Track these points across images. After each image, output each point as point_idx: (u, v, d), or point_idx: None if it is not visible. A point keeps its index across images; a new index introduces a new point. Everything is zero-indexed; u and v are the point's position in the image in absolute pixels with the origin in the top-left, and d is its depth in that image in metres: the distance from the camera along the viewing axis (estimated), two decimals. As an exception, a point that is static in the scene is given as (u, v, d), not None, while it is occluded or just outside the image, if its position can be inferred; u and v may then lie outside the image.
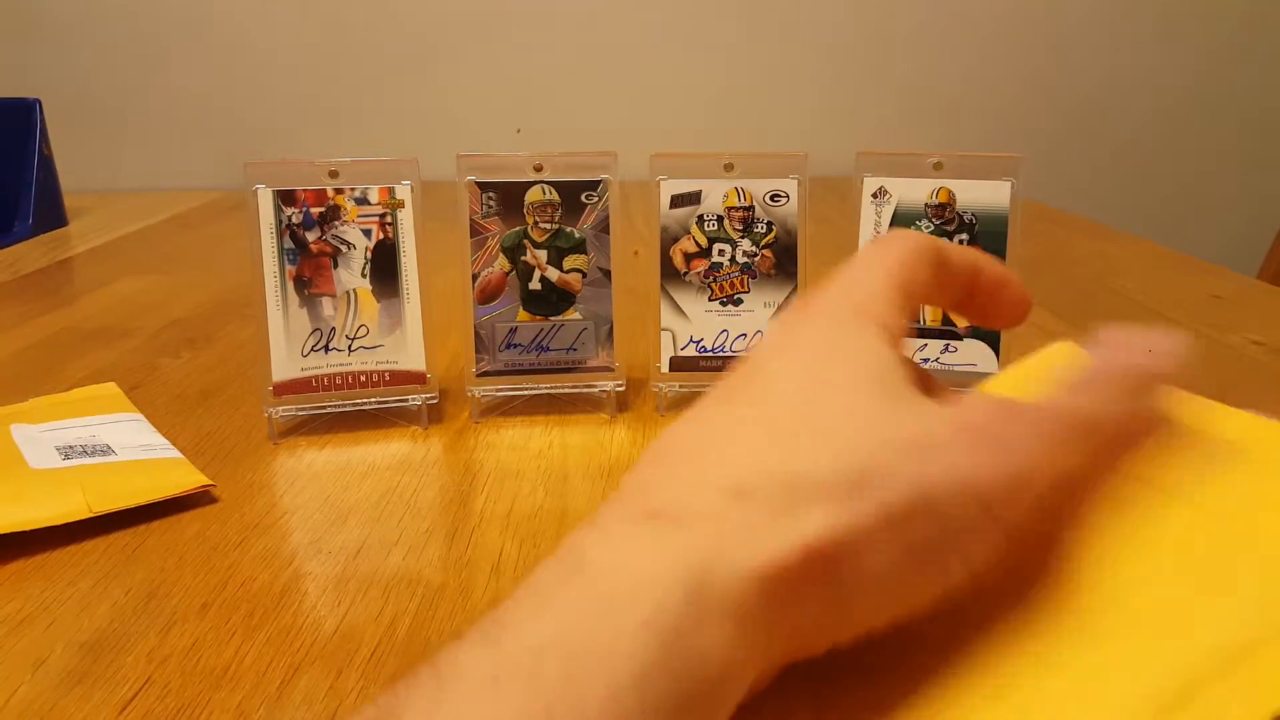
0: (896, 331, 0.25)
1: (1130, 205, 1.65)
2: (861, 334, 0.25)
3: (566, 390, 0.61)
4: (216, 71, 1.53)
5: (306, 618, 0.40)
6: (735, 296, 0.60)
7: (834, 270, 0.28)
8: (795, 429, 0.22)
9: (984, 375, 0.59)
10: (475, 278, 0.59)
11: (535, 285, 0.59)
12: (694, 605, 0.19)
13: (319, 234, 0.57)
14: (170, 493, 0.49)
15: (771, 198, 0.60)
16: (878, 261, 0.27)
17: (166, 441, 0.54)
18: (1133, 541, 0.24)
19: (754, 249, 0.60)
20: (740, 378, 0.26)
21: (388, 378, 0.59)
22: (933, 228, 0.59)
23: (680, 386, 0.62)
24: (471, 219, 0.58)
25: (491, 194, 0.58)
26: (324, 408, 0.59)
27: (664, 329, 0.61)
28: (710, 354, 0.61)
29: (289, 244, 0.57)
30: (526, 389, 0.61)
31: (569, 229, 0.59)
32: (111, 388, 0.63)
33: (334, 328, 0.58)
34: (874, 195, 0.60)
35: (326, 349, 0.58)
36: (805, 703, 0.23)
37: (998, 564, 0.22)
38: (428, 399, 0.59)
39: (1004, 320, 0.30)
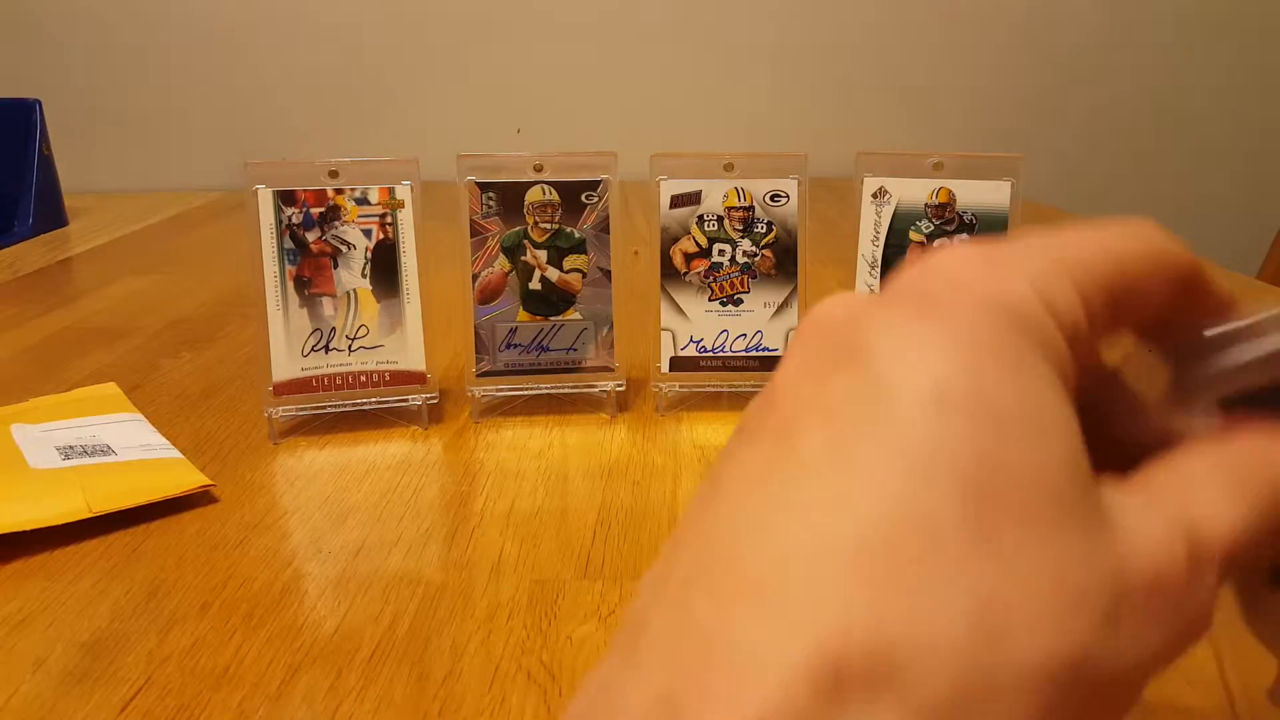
0: (1071, 363, 0.17)
1: (1130, 205, 1.65)
2: (1027, 375, 0.16)
3: (566, 390, 0.61)
4: (216, 71, 1.53)
5: (306, 618, 0.40)
6: (735, 296, 0.60)
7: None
8: (915, 576, 0.14)
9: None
10: (475, 278, 0.59)
11: (535, 285, 0.59)
12: None
13: (319, 234, 0.57)
14: (170, 493, 0.49)
15: (771, 198, 0.60)
16: (1075, 241, 0.18)
17: (166, 441, 0.54)
18: None
19: (754, 249, 0.60)
20: (860, 421, 0.15)
21: (388, 378, 0.59)
22: (933, 228, 0.59)
23: (680, 386, 0.62)
24: (471, 219, 0.58)
25: (491, 194, 0.58)
26: (324, 408, 0.59)
27: (664, 329, 0.61)
28: (710, 354, 0.61)
29: (289, 244, 0.57)
30: (526, 389, 0.61)
31: (569, 229, 0.59)
32: (111, 388, 0.63)
33: (334, 328, 0.58)
34: (874, 195, 0.59)
35: (326, 349, 0.58)
36: None
37: None
38: (428, 399, 0.59)
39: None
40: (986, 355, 0.16)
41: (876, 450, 0.15)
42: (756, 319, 0.60)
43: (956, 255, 0.17)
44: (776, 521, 0.15)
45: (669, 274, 0.60)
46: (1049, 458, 0.15)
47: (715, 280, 0.60)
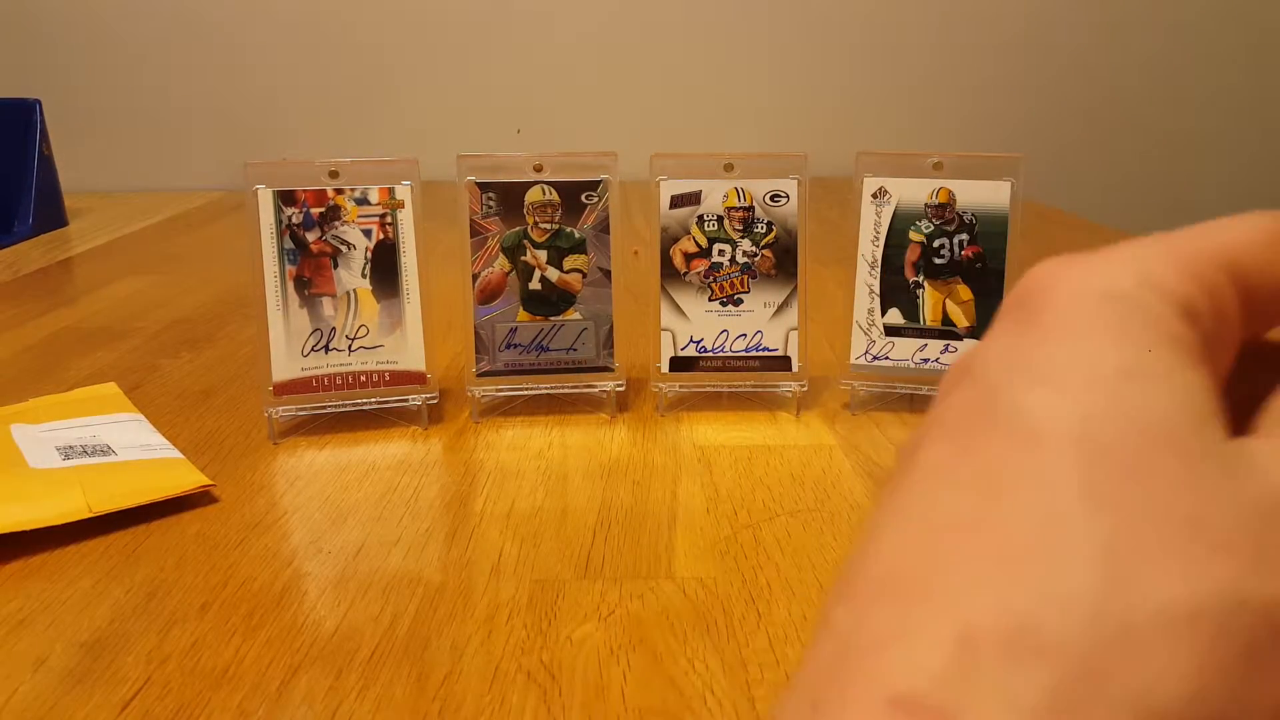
0: (1191, 335, 0.17)
1: (1131, 205, 1.65)
2: (1127, 341, 0.16)
3: (566, 390, 0.61)
4: (216, 72, 1.53)
5: (306, 618, 0.40)
6: (735, 296, 0.60)
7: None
8: (1032, 539, 0.15)
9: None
10: (475, 278, 0.59)
11: (535, 285, 0.59)
12: None
13: (319, 234, 0.57)
14: (170, 493, 0.49)
15: (771, 198, 0.60)
16: (1180, 234, 0.18)
17: (166, 441, 0.54)
18: None
19: (754, 249, 0.60)
20: (969, 425, 0.17)
21: (388, 378, 0.59)
22: (933, 228, 0.59)
23: (680, 386, 0.62)
24: (471, 219, 0.58)
25: (491, 194, 0.58)
26: (324, 408, 0.59)
27: (664, 329, 0.61)
28: (710, 354, 0.61)
29: (289, 244, 0.57)
30: (526, 389, 0.61)
31: (569, 229, 0.59)
32: (111, 388, 0.63)
33: (334, 328, 0.58)
34: (874, 195, 0.60)
35: (326, 349, 0.58)
36: None
37: None
38: (428, 399, 0.59)
39: None
40: (1080, 330, 0.16)
41: (982, 439, 0.16)
42: (756, 319, 0.60)
43: (1050, 262, 0.18)
44: (898, 528, 0.16)
45: (669, 274, 0.60)
46: (1163, 412, 0.15)
47: (715, 280, 0.60)
